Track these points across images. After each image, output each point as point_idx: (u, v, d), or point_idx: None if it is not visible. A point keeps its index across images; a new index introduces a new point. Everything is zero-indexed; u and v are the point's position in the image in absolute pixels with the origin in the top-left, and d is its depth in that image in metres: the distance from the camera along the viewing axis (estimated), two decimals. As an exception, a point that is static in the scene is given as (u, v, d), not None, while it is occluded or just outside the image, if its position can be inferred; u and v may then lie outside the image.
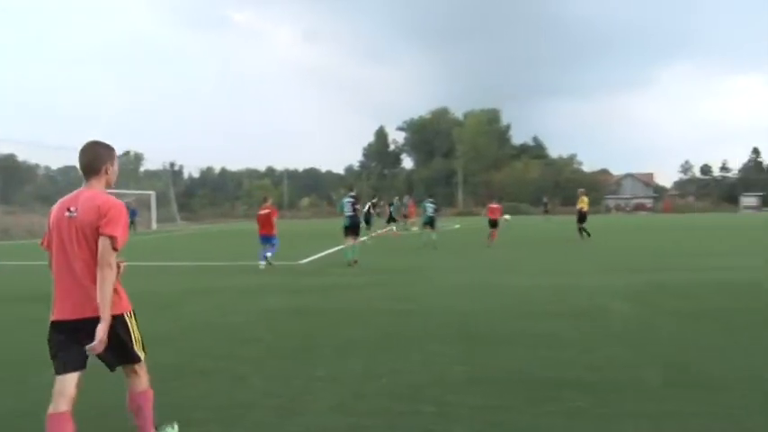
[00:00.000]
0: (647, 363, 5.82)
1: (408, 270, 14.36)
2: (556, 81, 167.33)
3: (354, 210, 16.26)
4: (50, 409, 3.40)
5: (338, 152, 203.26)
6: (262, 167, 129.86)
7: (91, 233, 3.48)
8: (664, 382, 5.21)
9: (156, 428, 3.96)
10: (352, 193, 17.44)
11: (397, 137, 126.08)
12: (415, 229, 32.07)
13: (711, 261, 15.23)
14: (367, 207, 25.66)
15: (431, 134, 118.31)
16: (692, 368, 5.61)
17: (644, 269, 13.66)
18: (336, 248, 21.03)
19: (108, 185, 3.74)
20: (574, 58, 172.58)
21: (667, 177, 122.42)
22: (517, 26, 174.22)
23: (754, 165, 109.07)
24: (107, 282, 3.41)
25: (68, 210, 3.55)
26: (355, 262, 15.73)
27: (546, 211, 44.27)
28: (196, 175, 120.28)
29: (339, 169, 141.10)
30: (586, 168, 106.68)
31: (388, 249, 21.52)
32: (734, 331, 7.13)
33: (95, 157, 3.67)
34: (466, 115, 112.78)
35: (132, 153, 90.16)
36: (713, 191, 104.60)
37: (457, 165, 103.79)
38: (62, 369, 3.45)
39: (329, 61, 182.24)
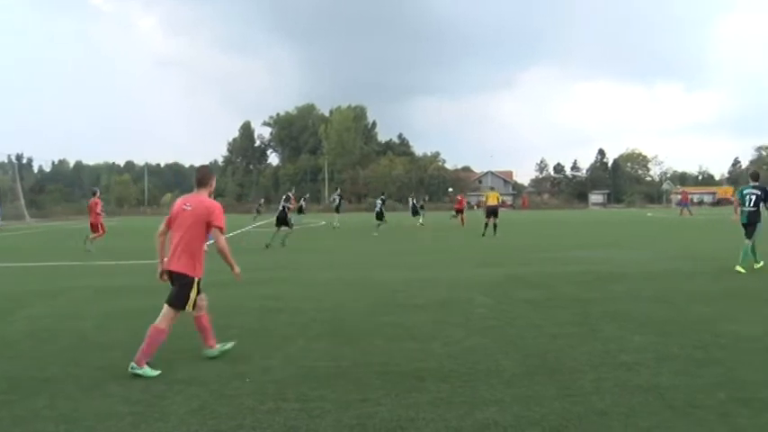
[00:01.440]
0: (507, 351, 6.09)
1: (277, 267, 14.17)
2: (421, 80, 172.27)
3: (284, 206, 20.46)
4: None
5: (202, 146, 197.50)
6: (121, 162, 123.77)
7: (199, 222, 5.51)
8: (523, 369, 5.47)
9: (144, 364, 5.35)
10: (290, 193, 21.69)
11: (263, 132, 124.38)
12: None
13: (565, 254, 16.26)
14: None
15: (297, 130, 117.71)
16: (548, 355, 5.93)
17: (503, 263, 14.34)
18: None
19: (210, 194, 5.78)
20: (439, 59, 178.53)
21: (525, 175, 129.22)
22: (384, 25, 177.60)
23: (600, 165, 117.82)
24: (225, 249, 5.58)
25: (185, 205, 5.59)
26: (266, 246, 19.41)
27: (421, 207, 45.53)
28: (47, 168, 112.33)
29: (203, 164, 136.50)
30: (449, 166, 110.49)
31: (259, 247, 21.12)
32: (586, 319, 7.63)
33: (205, 175, 5.81)
34: (332, 111, 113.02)
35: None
36: (566, 188, 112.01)
37: (323, 161, 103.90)
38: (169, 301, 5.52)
39: (192, 52, 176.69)
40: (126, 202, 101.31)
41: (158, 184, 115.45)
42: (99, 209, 20.11)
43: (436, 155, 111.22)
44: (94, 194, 20.71)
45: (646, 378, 5.15)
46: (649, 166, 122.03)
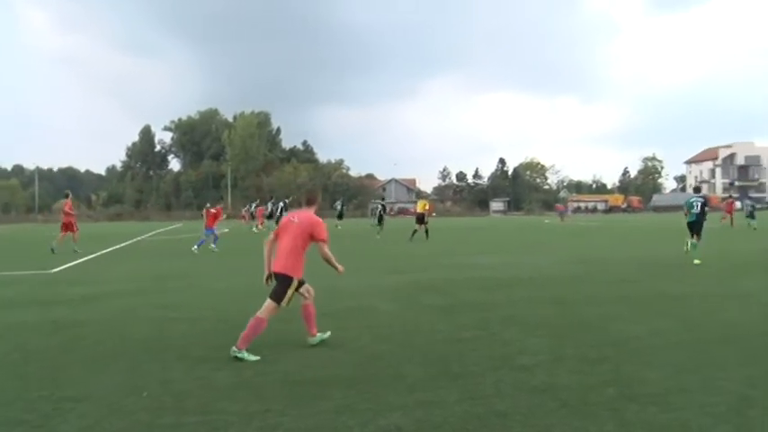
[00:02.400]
0: (411, 357, 6.16)
1: (175, 276, 13.73)
2: (326, 87, 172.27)
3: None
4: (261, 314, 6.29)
5: (99, 151, 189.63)
6: (8, 166, 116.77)
7: (305, 234, 6.45)
8: (426, 374, 5.55)
9: (244, 348, 6.18)
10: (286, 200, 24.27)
11: (164, 137, 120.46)
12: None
13: (468, 261, 16.67)
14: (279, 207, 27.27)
15: (200, 135, 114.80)
16: (450, 359, 6.04)
17: (408, 270, 14.52)
18: (95, 254, 19.49)
19: (316, 212, 6.78)
20: (344, 66, 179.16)
21: (429, 183, 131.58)
22: (289, 30, 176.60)
23: (500, 173, 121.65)
24: (328, 255, 6.55)
25: (293, 219, 6.59)
26: None
27: (340, 216, 45.46)
28: None
29: (100, 169, 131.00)
30: (353, 173, 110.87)
31: (158, 255, 20.42)
32: (487, 323, 7.83)
33: (314, 195, 6.97)
34: (236, 117, 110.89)
35: None
36: (468, 196, 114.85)
37: (226, 167, 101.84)
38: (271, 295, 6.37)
39: (88, 52, 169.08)
40: (14, 208, 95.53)
41: (50, 189, 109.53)
42: (68, 208, 21.19)
43: (340, 162, 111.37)
44: (66, 197, 21.99)
45: (543, 378, 5.35)
46: (547, 174, 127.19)
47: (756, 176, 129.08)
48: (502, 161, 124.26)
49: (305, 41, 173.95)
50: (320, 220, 6.62)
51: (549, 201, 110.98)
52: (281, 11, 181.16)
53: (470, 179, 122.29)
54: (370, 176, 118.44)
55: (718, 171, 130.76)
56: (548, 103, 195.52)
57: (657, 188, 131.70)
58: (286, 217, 6.80)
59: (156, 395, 5.04)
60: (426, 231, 26.33)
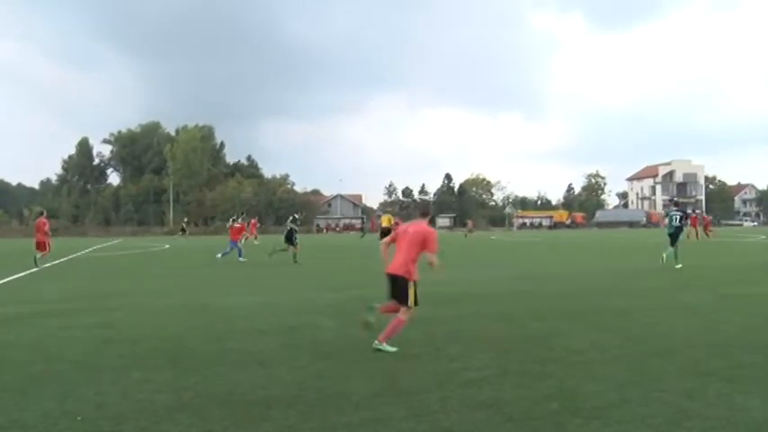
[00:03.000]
0: (355, 374, 6.13)
1: (113, 294, 13.35)
2: (271, 101, 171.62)
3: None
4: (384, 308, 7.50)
5: (32, 163, 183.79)
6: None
7: (418, 243, 7.28)
8: (371, 391, 5.53)
9: (384, 342, 7.15)
10: (296, 215, 24.80)
11: (102, 150, 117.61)
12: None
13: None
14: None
15: (141, 148, 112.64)
16: (395, 376, 6.04)
17: (352, 286, 14.48)
18: (26, 272, 18.82)
19: (429, 223, 7.79)
20: (289, 80, 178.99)
21: (375, 199, 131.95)
22: (234, 46, 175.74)
23: (447, 189, 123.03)
24: (435, 261, 7.28)
25: (407, 229, 7.49)
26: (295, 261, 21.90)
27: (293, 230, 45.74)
28: None
29: (33, 183, 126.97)
30: (299, 188, 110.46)
31: (95, 272, 19.85)
32: (432, 339, 7.87)
33: (428, 208, 9.02)
34: (179, 131, 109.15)
35: None
36: (414, 212, 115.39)
37: (168, 182, 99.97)
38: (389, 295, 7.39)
39: (21, 60, 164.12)
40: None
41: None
42: (47, 228, 21.34)
43: (285, 177, 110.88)
44: (41, 214, 22.51)
45: (488, 394, 5.40)
46: (493, 190, 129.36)
47: (694, 193, 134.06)
48: (448, 177, 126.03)
49: (250, 56, 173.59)
50: (433, 230, 7.57)
51: (495, 217, 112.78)
52: (226, 25, 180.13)
53: (416, 195, 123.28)
54: (315, 192, 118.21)
55: (659, 188, 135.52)
56: (491, 119, 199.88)
57: (601, 204, 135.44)
58: (402, 226, 7.85)
59: (92, 419, 4.87)
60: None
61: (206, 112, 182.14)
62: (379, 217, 44.69)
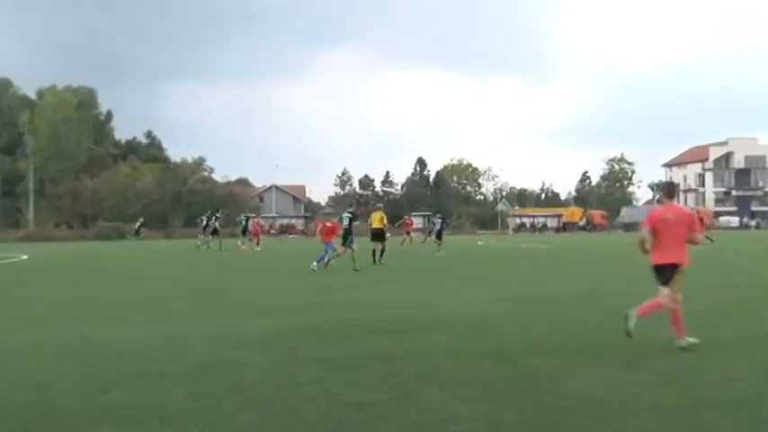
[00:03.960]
0: (293, 430, 6.12)
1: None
2: (180, 60, 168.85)
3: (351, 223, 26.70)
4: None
5: None
6: None
7: (685, 225, 9.50)
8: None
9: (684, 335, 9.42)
10: (351, 209, 29.22)
11: None
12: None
13: (371, 296, 16.82)
14: None
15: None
16: (349, 429, 6.05)
17: (288, 309, 14.48)
18: None
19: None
20: (206, 33, 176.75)
21: (322, 192, 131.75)
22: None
23: (419, 179, 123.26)
24: (700, 240, 10.25)
25: (667, 214, 9.64)
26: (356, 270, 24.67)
27: (212, 231, 47.38)
28: None
29: None
30: (219, 177, 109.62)
31: None
32: (399, 381, 7.83)
33: (673, 187, 11.28)
34: (42, 93, 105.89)
35: None
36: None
37: (27, 165, 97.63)
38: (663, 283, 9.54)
39: None
40: None
41: None
42: None
43: (200, 162, 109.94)
44: None
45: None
46: (481, 180, 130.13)
47: (761, 183, 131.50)
48: (421, 162, 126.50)
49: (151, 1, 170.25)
50: (692, 211, 10.33)
51: (484, 215, 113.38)
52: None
53: (379, 186, 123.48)
54: (242, 182, 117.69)
55: (709, 176, 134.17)
56: (480, 85, 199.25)
57: (628, 199, 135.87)
58: (659, 213, 9.91)
59: None
60: (382, 251, 28.23)
61: (85, 68, 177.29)
62: (326, 216, 46.34)
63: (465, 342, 10.43)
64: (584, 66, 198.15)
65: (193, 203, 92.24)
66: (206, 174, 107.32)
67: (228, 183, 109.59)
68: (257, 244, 47.14)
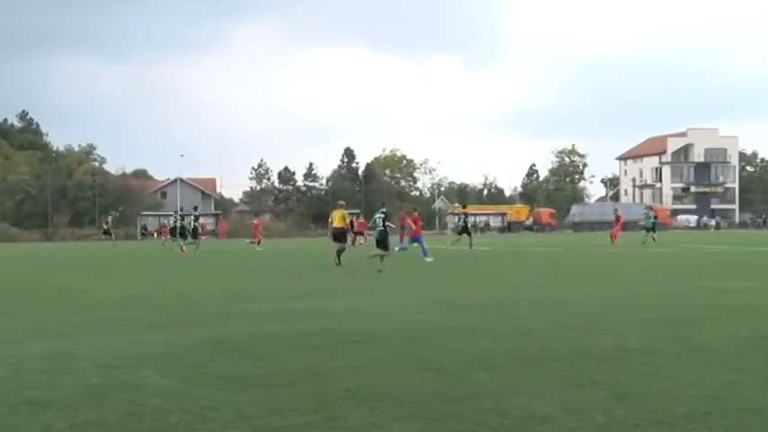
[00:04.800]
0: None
1: None
2: (63, 25, 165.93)
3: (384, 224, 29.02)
4: None
5: None
6: None
7: None
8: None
9: None
10: (384, 209, 30.62)
11: None
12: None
13: (288, 305, 16.85)
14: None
15: None
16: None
17: (192, 320, 14.41)
18: None
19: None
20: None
21: (236, 186, 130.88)
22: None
23: (347, 171, 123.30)
24: None
25: None
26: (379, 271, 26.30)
27: (107, 233, 48.13)
28: None
29: None
30: (112, 168, 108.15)
31: None
32: (322, 402, 7.80)
33: None
34: None
35: None
36: (297, 206, 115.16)
37: None
38: None
39: None
40: None
41: None
42: None
43: (89, 150, 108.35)
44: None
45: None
46: (417, 174, 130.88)
47: (721, 178, 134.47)
48: (349, 153, 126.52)
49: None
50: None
51: (420, 214, 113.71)
52: None
53: (300, 180, 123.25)
54: (141, 174, 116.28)
55: (667, 170, 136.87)
56: (416, 67, 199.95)
57: (578, 195, 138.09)
58: None
59: None
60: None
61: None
62: (221, 216, 48.85)
63: (397, 355, 10.43)
64: (535, 47, 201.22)
65: (80, 199, 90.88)
66: (96, 164, 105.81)
67: (124, 175, 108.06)
68: (258, 244, 50.96)
